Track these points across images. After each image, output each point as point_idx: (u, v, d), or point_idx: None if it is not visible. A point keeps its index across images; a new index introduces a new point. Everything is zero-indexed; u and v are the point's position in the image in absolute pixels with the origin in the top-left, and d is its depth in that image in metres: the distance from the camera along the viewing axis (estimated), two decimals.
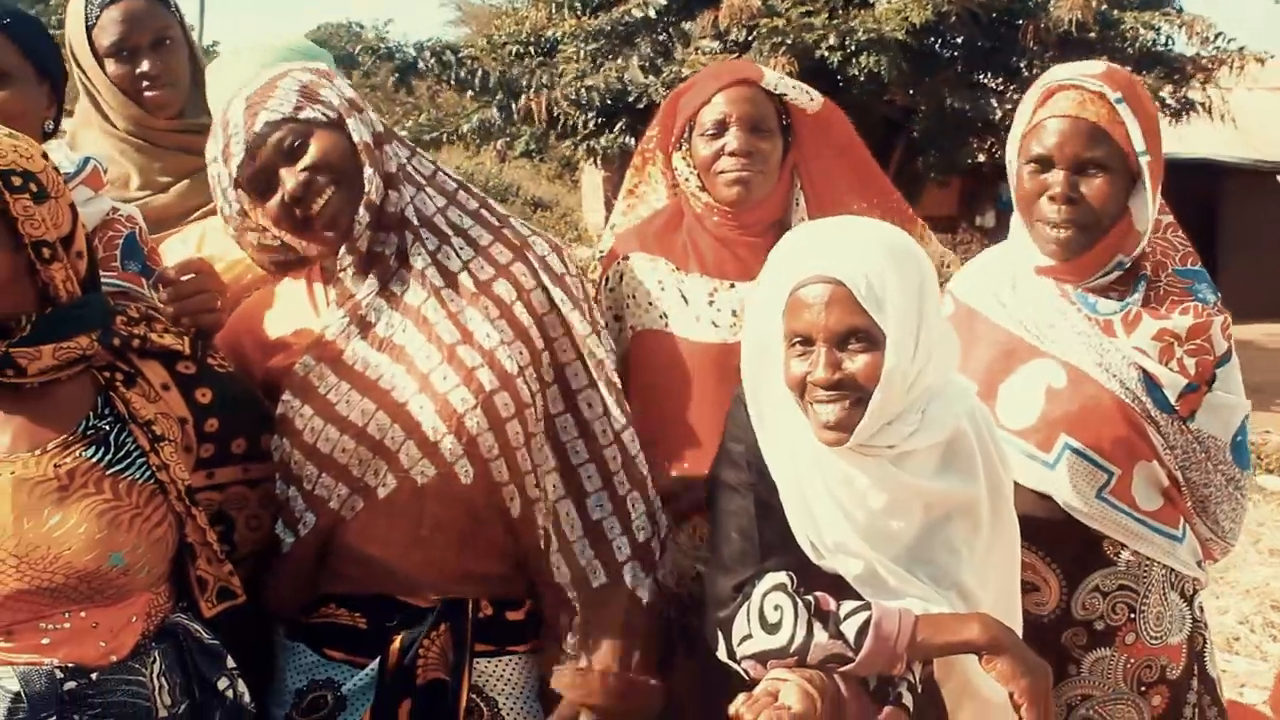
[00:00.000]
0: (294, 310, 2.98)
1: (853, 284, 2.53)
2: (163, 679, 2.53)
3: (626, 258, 3.48)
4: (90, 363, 2.57)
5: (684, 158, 3.43)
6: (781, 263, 2.68)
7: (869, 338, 2.55)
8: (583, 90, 15.09)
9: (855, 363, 2.55)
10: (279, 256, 2.96)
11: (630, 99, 14.99)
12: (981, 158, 16.89)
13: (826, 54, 13.75)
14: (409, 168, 2.91)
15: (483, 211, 2.98)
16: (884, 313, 2.53)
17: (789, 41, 13.67)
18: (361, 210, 2.79)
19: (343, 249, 2.83)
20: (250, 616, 2.77)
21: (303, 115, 2.79)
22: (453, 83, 16.30)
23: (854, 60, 13.90)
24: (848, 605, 2.60)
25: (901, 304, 2.55)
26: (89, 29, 3.56)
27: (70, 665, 2.43)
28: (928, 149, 15.79)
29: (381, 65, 18.17)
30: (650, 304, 3.41)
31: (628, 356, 3.38)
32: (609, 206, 19.76)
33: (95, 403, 2.57)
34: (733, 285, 3.37)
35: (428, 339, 2.80)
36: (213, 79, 3.41)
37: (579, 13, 15.97)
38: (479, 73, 15.87)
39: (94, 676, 2.45)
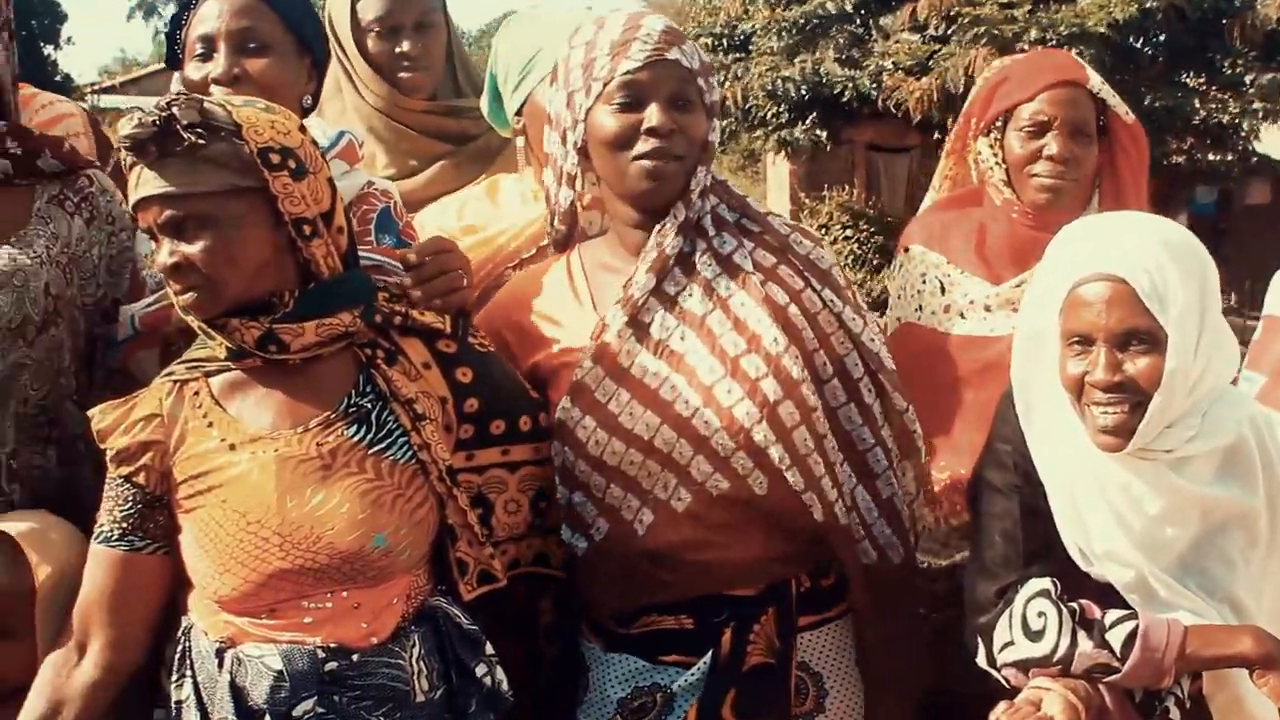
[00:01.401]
0: (556, 301, 2.90)
1: (1136, 282, 2.44)
2: (421, 663, 2.48)
3: (907, 249, 3.45)
4: (352, 339, 2.53)
5: (991, 145, 3.33)
6: (1060, 259, 2.60)
7: (1151, 338, 2.46)
8: (778, 81, 15.04)
9: (1136, 365, 2.46)
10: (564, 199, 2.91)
11: (830, 91, 14.90)
12: (1179, 159, 16.46)
13: (1027, 48, 13.55)
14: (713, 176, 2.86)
15: (751, 211, 2.91)
16: (1167, 313, 2.45)
17: (993, 33, 13.50)
18: (678, 206, 2.75)
19: (650, 243, 2.78)
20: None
21: (700, 81, 2.75)
22: None
23: None
24: (1113, 614, 2.51)
25: (1184, 303, 2.46)
26: (354, 1, 3.56)
27: (332, 645, 2.40)
28: None
29: None
30: (912, 295, 3.39)
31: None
32: (795, 200, 19.75)
33: (357, 380, 2.53)
34: (994, 283, 3.29)
35: (710, 350, 2.72)
36: (508, 37, 3.33)
37: (774, 4, 15.94)
38: None
39: (355, 658, 2.41)
